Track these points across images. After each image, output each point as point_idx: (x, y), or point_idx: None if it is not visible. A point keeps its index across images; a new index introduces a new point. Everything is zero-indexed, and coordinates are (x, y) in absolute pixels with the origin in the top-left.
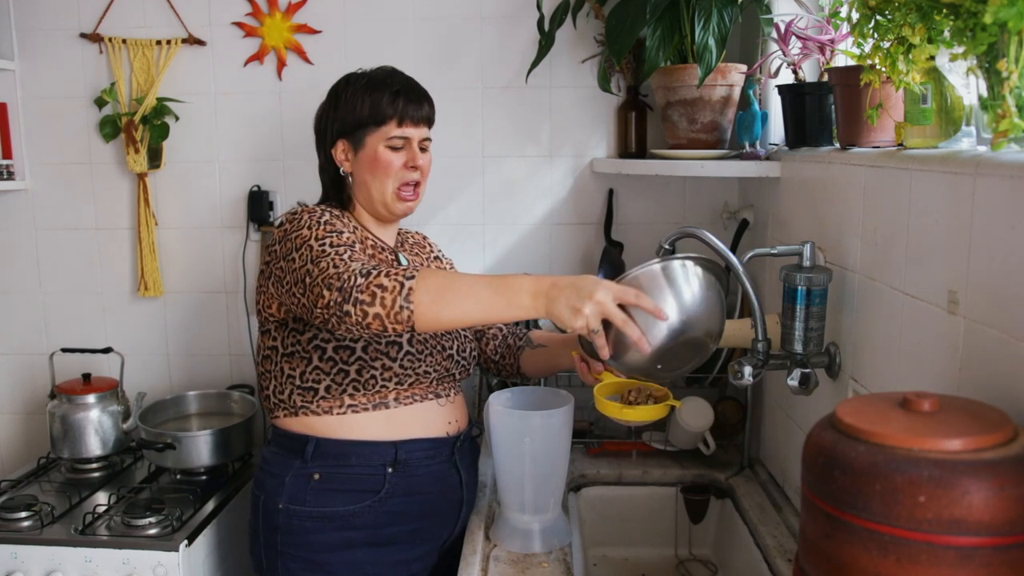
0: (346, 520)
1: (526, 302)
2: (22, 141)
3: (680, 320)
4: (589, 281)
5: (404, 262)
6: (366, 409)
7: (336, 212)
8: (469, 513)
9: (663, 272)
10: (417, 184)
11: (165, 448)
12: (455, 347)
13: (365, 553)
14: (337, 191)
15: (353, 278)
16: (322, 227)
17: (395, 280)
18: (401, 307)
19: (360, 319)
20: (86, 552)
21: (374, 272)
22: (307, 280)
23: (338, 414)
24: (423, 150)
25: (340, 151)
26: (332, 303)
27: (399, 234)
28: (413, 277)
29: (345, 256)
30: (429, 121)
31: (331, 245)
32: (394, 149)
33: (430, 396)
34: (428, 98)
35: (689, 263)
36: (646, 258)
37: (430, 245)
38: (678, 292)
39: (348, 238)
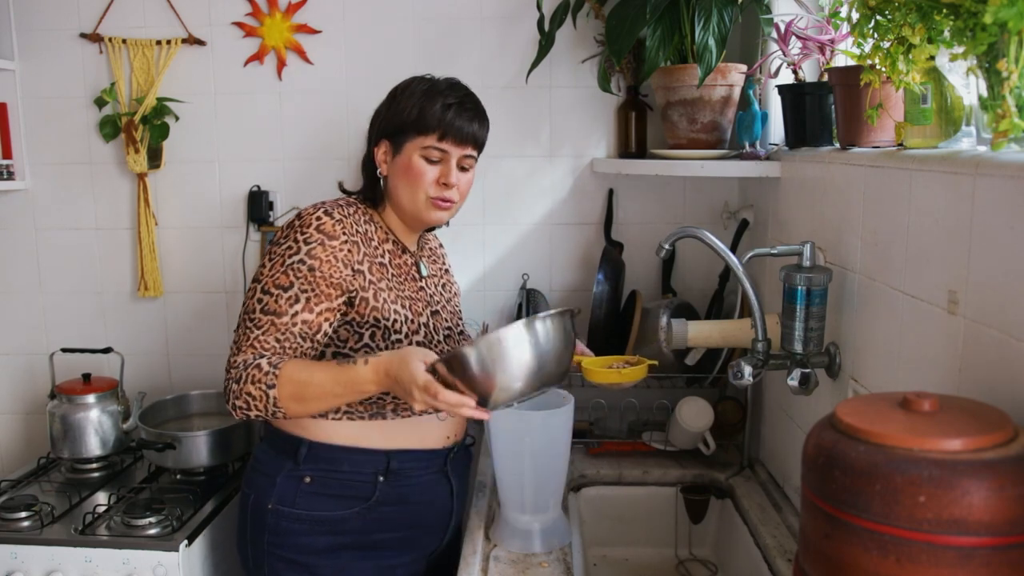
0: (334, 525)
1: (372, 388)
2: (22, 141)
3: (519, 382)
4: (406, 378)
5: (425, 272)
6: (362, 417)
7: (345, 220)
8: (459, 523)
9: (482, 348)
10: (451, 201)
11: (165, 448)
12: None
13: (351, 557)
14: (372, 188)
15: (229, 383)
16: (284, 272)
17: (260, 389)
18: (274, 412)
19: (244, 417)
20: (86, 552)
21: (244, 377)
22: (234, 332)
23: (333, 419)
24: (464, 169)
25: (381, 151)
26: (224, 389)
27: (421, 236)
28: (274, 385)
29: (252, 337)
30: (476, 141)
31: (262, 310)
32: (429, 161)
33: (429, 411)
34: (482, 118)
35: (512, 329)
36: (646, 258)
37: (443, 256)
38: (506, 360)
39: (289, 300)
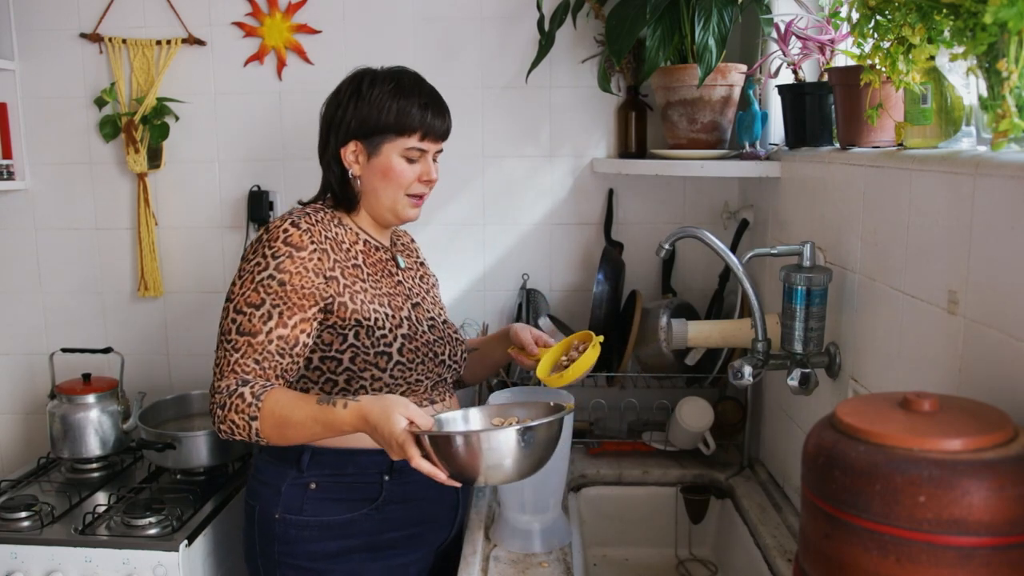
0: (344, 528)
1: (350, 430)
2: (22, 141)
3: (482, 474)
4: (385, 431)
5: (403, 264)
6: None
7: (313, 229)
8: (465, 515)
9: (464, 439)
10: (426, 195)
11: (165, 448)
12: (447, 352)
13: (362, 559)
14: (342, 189)
15: (214, 408)
16: (255, 290)
17: (243, 419)
18: (255, 440)
19: (229, 438)
20: (86, 552)
21: (228, 405)
22: (215, 352)
23: None
24: (434, 160)
25: (351, 152)
26: (210, 411)
27: (392, 233)
28: (256, 417)
29: (232, 360)
30: (447, 134)
31: (238, 331)
32: (409, 160)
33: (424, 403)
34: (447, 110)
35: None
36: (646, 258)
37: (416, 250)
38: (472, 456)
39: (262, 318)
